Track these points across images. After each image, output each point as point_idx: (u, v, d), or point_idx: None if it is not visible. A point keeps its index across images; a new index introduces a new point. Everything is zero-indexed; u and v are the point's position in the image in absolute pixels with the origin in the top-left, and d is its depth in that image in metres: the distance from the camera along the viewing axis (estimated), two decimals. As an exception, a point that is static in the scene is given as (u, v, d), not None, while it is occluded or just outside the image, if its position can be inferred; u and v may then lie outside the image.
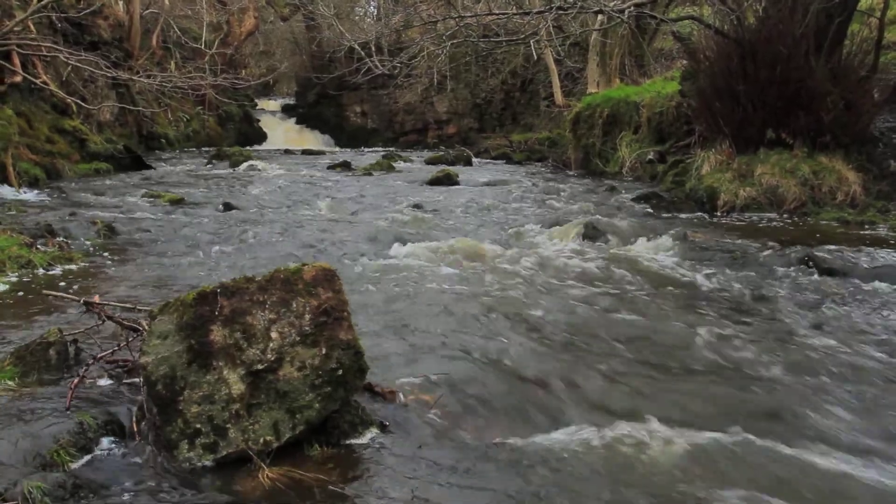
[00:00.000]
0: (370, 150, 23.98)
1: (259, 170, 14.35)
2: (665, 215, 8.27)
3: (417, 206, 8.86)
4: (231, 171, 14.25)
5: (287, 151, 20.93)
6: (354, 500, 2.33)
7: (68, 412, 2.66)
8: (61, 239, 6.26)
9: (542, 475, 2.50)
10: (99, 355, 3.11)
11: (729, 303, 4.71)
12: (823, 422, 2.97)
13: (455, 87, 25.84)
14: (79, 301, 3.30)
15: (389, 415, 2.88)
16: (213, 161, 15.93)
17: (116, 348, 3.15)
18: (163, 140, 19.48)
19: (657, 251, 6.21)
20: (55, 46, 12.82)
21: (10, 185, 9.74)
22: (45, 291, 4.34)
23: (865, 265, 5.45)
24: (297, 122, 28.48)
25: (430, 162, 16.87)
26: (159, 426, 2.53)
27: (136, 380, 2.92)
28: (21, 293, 4.64)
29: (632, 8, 9.81)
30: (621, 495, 2.40)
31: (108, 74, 13.56)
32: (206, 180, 12.35)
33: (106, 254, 6.05)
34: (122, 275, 5.32)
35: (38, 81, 12.23)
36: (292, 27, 30.97)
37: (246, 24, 26.25)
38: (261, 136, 26.02)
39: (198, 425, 2.49)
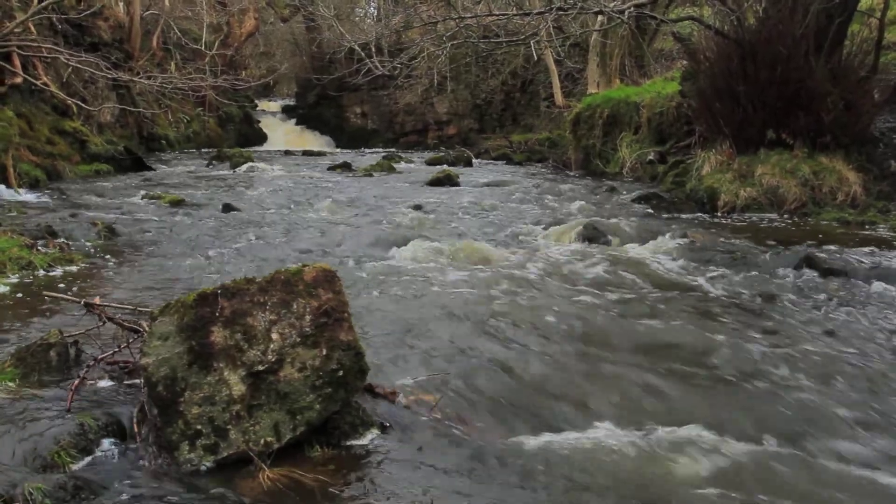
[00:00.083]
0: (370, 150, 23.99)
1: (259, 171, 14.35)
2: (665, 216, 8.26)
3: (418, 207, 8.86)
4: (231, 172, 14.25)
5: (287, 152, 20.94)
6: (355, 501, 2.33)
7: (69, 413, 2.66)
8: (62, 240, 6.26)
9: (543, 477, 2.50)
10: (99, 357, 3.11)
11: (729, 304, 4.70)
12: (824, 423, 2.97)
13: (455, 88, 25.84)
14: (79, 302, 3.30)
15: (390, 416, 2.88)
16: (214, 162, 15.93)
17: (117, 350, 3.15)
18: (163, 141, 19.49)
19: (658, 252, 6.21)
20: (56, 48, 12.83)
21: (11, 186, 9.75)
22: (45, 293, 4.35)
23: (866, 265, 5.44)
24: (298, 123, 28.48)
25: (430, 163, 16.87)
26: (160, 427, 2.53)
27: (137, 381, 2.92)
28: (22, 294, 4.64)
29: (632, 8, 9.81)
30: (622, 497, 2.40)
31: (109, 76, 13.58)
32: (206, 181, 12.36)
33: (106, 255, 6.05)
34: (122, 276, 5.33)
35: (38, 83, 12.24)
36: (292, 28, 30.99)
37: (246, 25, 26.27)
38: (261, 138, 26.03)
39: (198, 426, 2.49)
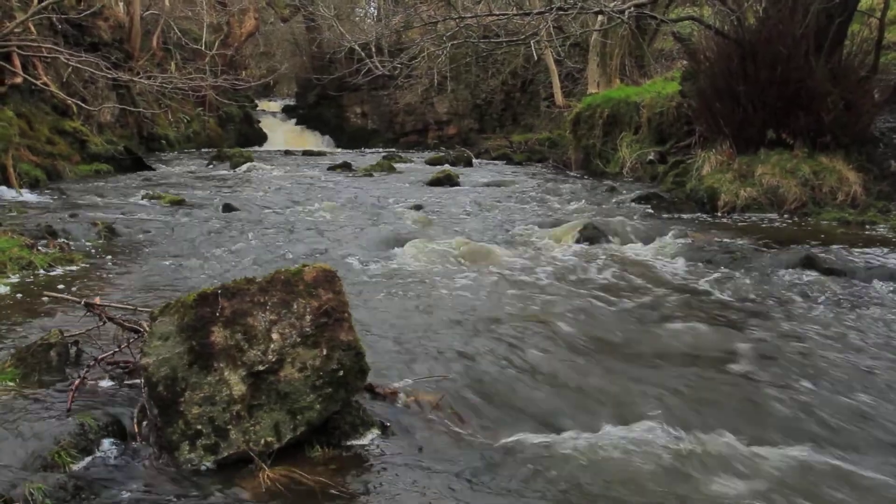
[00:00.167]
0: (370, 150, 23.99)
1: (259, 171, 14.35)
2: (666, 216, 8.27)
3: (418, 207, 8.86)
4: (231, 172, 14.25)
5: (287, 152, 20.93)
6: (355, 501, 2.33)
7: (69, 414, 2.66)
8: (62, 240, 6.26)
9: (544, 478, 2.50)
10: (100, 357, 3.11)
11: (729, 304, 4.70)
12: (825, 424, 2.97)
13: (455, 88, 25.85)
14: (80, 302, 3.30)
15: (391, 416, 2.88)
16: (214, 162, 15.93)
17: (117, 350, 3.15)
18: (163, 141, 19.49)
19: (658, 252, 6.21)
20: (56, 48, 12.83)
21: (11, 186, 9.75)
22: (45, 293, 4.35)
23: (866, 265, 5.44)
24: (298, 123, 28.48)
25: (430, 163, 16.87)
26: (160, 427, 2.53)
27: (137, 381, 2.92)
28: (22, 294, 4.64)
29: (632, 8, 9.81)
30: (622, 499, 2.40)
31: (109, 76, 13.58)
32: (206, 181, 12.36)
33: (107, 255, 6.05)
34: (122, 276, 5.33)
35: (38, 83, 12.25)
36: (293, 28, 30.99)
37: (246, 25, 26.27)
38: (261, 138, 26.03)
39: (199, 426, 2.50)
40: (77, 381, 2.88)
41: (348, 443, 2.67)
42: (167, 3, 23.44)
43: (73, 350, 3.26)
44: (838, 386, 3.32)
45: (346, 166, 15.14)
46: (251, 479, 2.41)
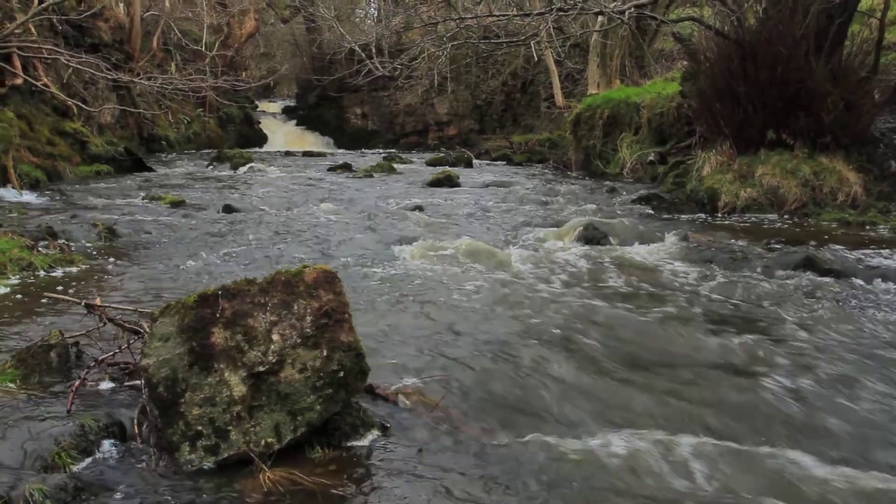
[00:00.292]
0: (371, 151, 24.00)
1: (260, 172, 14.36)
2: (666, 216, 8.26)
3: (418, 208, 8.86)
4: (232, 173, 14.26)
5: (288, 153, 20.95)
6: (356, 502, 2.33)
7: (69, 414, 2.66)
8: (62, 241, 6.26)
9: (544, 479, 2.50)
10: (100, 358, 3.11)
11: (730, 304, 4.70)
12: (824, 425, 2.97)
13: (455, 89, 25.86)
14: (80, 303, 3.30)
15: (391, 417, 2.88)
16: (214, 163, 15.93)
17: (117, 351, 3.15)
18: (163, 142, 19.49)
19: (658, 252, 6.21)
20: (56, 49, 12.84)
21: (12, 187, 9.75)
22: (46, 294, 4.35)
23: (866, 266, 5.45)
24: (298, 124, 28.50)
25: (430, 163, 16.87)
26: (161, 428, 2.53)
27: (138, 382, 2.92)
28: (22, 296, 4.64)
29: (632, 9, 9.81)
30: (622, 498, 2.40)
31: (109, 76, 13.59)
32: (206, 182, 12.36)
33: (107, 256, 6.05)
34: (123, 277, 5.33)
35: (38, 84, 12.26)
36: (293, 29, 31.01)
37: (246, 26, 26.28)
38: (261, 138, 26.04)
39: (199, 427, 2.49)
40: (77, 382, 2.88)
41: (349, 444, 2.67)
42: (167, 4, 23.47)
43: (73, 351, 3.26)
44: (839, 387, 3.31)
45: (346, 167, 15.15)
46: (251, 479, 2.41)
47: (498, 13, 14.56)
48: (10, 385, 2.96)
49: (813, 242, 6.30)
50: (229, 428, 2.51)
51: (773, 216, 7.99)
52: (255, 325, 2.62)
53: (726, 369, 3.56)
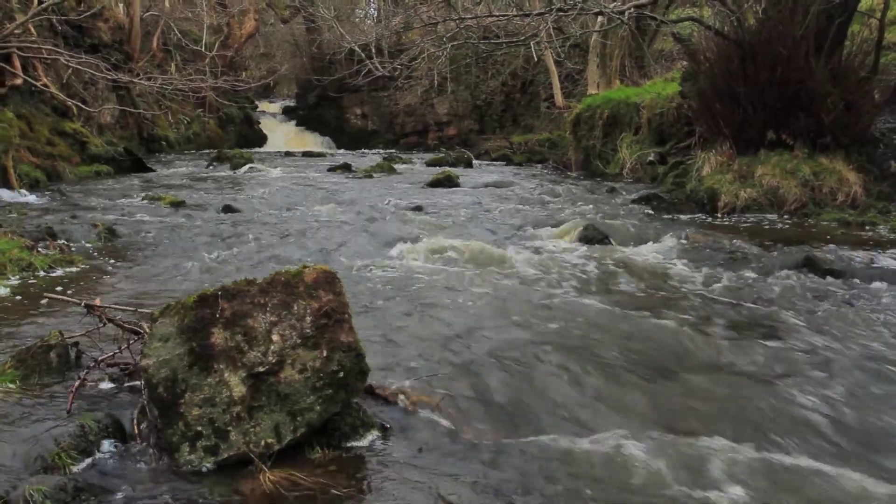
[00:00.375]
0: (371, 151, 23.99)
1: (259, 172, 14.36)
2: (666, 217, 8.27)
3: (418, 209, 8.86)
4: (232, 173, 14.26)
5: (288, 153, 20.94)
6: (356, 502, 2.33)
7: (69, 415, 2.66)
8: (62, 241, 6.27)
9: (544, 479, 2.50)
10: (100, 358, 3.11)
11: (729, 305, 4.70)
12: (824, 426, 2.97)
13: (455, 89, 25.86)
14: (80, 304, 3.30)
15: (391, 417, 2.88)
16: (214, 163, 15.93)
17: (117, 351, 3.15)
18: (163, 142, 19.50)
19: (658, 253, 6.21)
20: (56, 49, 12.84)
21: (11, 187, 9.76)
22: (46, 294, 4.35)
23: (866, 266, 5.44)
24: (298, 124, 28.51)
25: (430, 164, 16.87)
26: (160, 429, 2.53)
27: (137, 382, 2.92)
28: (22, 296, 4.64)
29: (632, 9, 9.81)
30: (622, 499, 2.40)
31: (109, 77, 13.60)
32: (206, 183, 12.36)
33: (107, 257, 6.05)
34: (122, 277, 5.33)
35: (38, 84, 12.26)
36: (292, 29, 31.02)
37: (246, 26, 26.28)
38: (261, 139, 26.05)
39: (199, 428, 2.49)
40: (77, 383, 2.89)
41: (348, 444, 2.67)
42: (167, 4, 23.47)
43: (73, 351, 3.26)
44: (839, 387, 3.31)
45: (346, 167, 15.14)
46: (251, 480, 2.41)
47: (498, 13, 14.56)
48: (10, 385, 2.96)
49: (813, 243, 6.30)
50: (229, 428, 2.51)
51: (773, 216, 7.99)
52: (254, 326, 2.62)
53: (724, 368, 3.56)
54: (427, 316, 4.31)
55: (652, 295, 4.94)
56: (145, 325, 2.99)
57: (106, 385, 3.03)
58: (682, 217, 8.25)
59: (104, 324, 3.24)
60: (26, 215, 7.88)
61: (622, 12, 9.48)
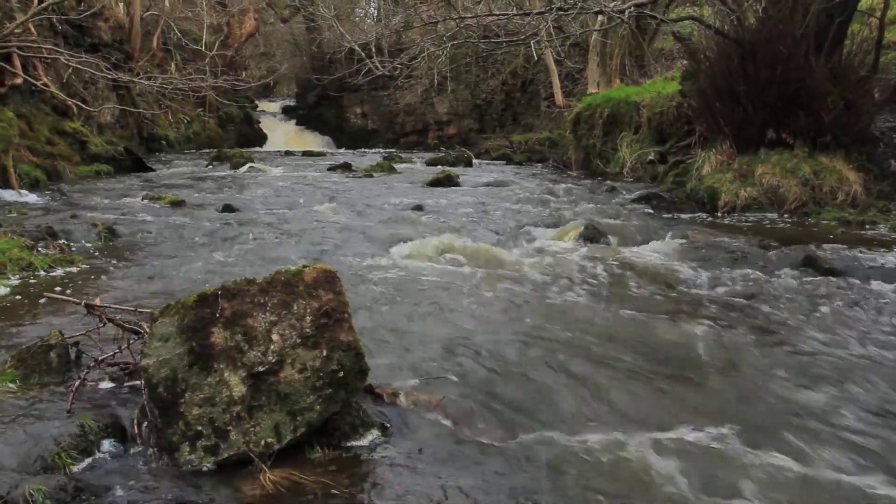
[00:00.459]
0: (371, 151, 23.99)
1: (260, 171, 14.35)
2: (666, 216, 8.26)
3: (418, 208, 8.86)
4: (232, 172, 14.25)
5: (288, 153, 20.93)
6: (356, 502, 2.33)
7: (69, 415, 2.66)
8: (62, 241, 6.26)
9: (544, 478, 2.50)
10: (100, 358, 3.11)
11: (730, 304, 4.70)
12: (824, 425, 2.97)
13: (455, 88, 25.86)
14: (80, 304, 3.30)
15: (391, 417, 2.88)
16: (214, 163, 15.93)
17: (117, 351, 3.15)
18: (163, 142, 19.50)
19: (658, 252, 6.21)
20: (56, 48, 12.84)
21: (11, 187, 9.76)
22: (46, 294, 4.35)
23: (866, 265, 5.44)
24: (298, 124, 28.51)
25: (430, 163, 16.86)
26: (160, 428, 2.53)
27: (138, 382, 2.92)
28: (22, 296, 4.64)
29: (632, 8, 9.81)
30: (622, 499, 2.40)
31: (109, 76, 13.60)
32: (206, 182, 12.36)
33: (107, 256, 6.05)
34: (123, 277, 5.33)
35: (38, 83, 12.26)
36: (292, 29, 31.01)
37: (246, 25, 26.28)
38: (261, 138, 26.05)
39: (199, 427, 2.49)
40: (77, 383, 2.89)
41: (348, 444, 2.67)
42: (167, 3, 23.46)
43: (73, 351, 3.26)
44: (838, 387, 3.31)
45: (346, 167, 15.14)
46: (251, 480, 2.41)
47: (498, 13, 14.56)
48: (10, 385, 2.96)
49: (813, 242, 6.30)
50: (229, 428, 2.51)
51: (773, 215, 7.99)
52: (254, 325, 2.62)
53: (724, 368, 3.56)
54: (427, 315, 4.31)
55: (652, 295, 4.94)
56: (145, 325, 2.99)
57: (106, 385, 3.04)
58: (683, 216, 8.25)
59: (104, 323, 3.24)
60: (26, 215, 7.88)
61: (622, 11, 9.48)
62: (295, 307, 2.67)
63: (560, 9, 9.61)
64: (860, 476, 2.57)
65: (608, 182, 11.78)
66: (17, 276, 5.08)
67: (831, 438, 2.85)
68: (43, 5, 12.14)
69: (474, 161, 17.64)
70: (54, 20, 14.08)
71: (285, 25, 31.15)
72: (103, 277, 5.30)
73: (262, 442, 2.52)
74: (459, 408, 3.03)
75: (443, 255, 5.97)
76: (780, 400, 3.17)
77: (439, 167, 15.02)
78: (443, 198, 10.10)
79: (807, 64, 8.40)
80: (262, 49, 31.94)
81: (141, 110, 17.28)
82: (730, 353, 3.75)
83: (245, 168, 14.73)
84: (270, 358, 2.58)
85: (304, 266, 2.80)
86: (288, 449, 2.55)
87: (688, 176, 9.56)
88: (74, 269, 5.48)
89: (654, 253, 6.19)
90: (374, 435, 2.73)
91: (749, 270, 5.46)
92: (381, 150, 23.45)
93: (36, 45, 12.43)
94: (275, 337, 2.61)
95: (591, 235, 6.68)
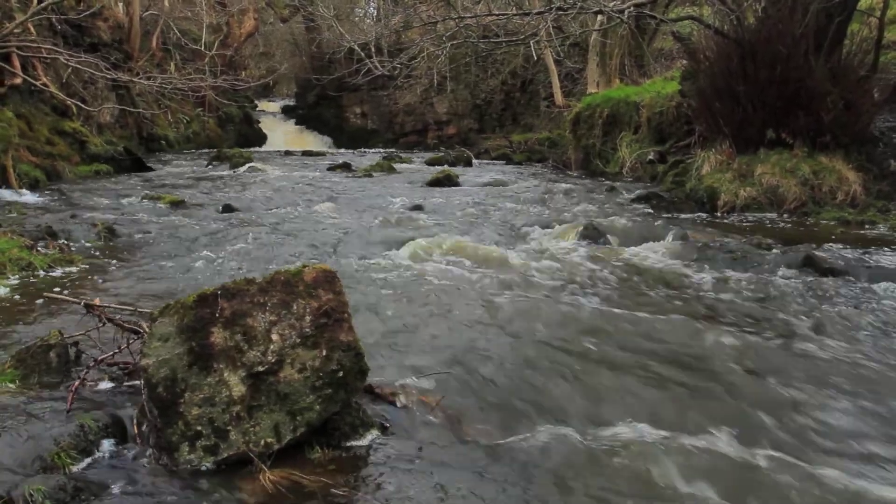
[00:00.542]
0: (370, 151, 23.99)
1: (259, 171, 14.35)
2: (665, 215, 8.27)
3: (418, 208, 8.86)
4: (231, 172, 14.25)
5: (287, 153, 20.93)
6: (355, 502, 2.33)
7: (69, 415, 2.66)
8: (62, 241, 6.26)
9: (545, 478, 2.50)
10: (99, 358, 3.11)
11: (729, 304, 4.70)
12: (823, 426, 2.97)
13: (455, 88, 25.85)
14: (79, 303, 3.30)
15: (390, 416, 2.88)
16: (214, 163, 15.93)
17: (117, 351, 3.15)
18: (163, 142, 19.49)
19: (657, 252, 6.21)
20: (55, 48, 12.83)
21: (11, 186, 9.76)
22: (45, 294, 4.35)
23: (866, 265, 5.45)
24: (297, 124, 28.50)
25: (430, 163, 16.86)
26: (160, 428, 2.53)
27: (137, 382, 2.92)
28: (22, 296, 4.64)
29: (631, 8, 9.81)
30: (623, 498, 2.40)
31: (108, 76, 13.59)
32: (206, 182, 12.36)
33: (106, 256, 6.05)
34: (122, 277, 5.32)
35: (38, 83, 12.25)
36: (292, 28, 31.00)
37: (245, 25, 26.27)
38: (261, 138, 26.04)
39: (198, 427, 2.49)
40: (77, 383, 2.88)
41: (348, 444, 2.67)
42: (167, 3, 23.45)
43: (72, 351, 3.26)
44: (838, 386, 3.31)
45: (345, 167, 15.14)
46: (251, 480, 2.41)
47: (497, 12, 14.56)
48: (10, 385, 2.96)
49: (812, 241, 6.30)
50: (229, 428, 2.51)
51: (773, 215, 7.99)
52: (254, 325, 2.61)
53: (723, 367, 3.55)
54: (427, 315, 4.31)
55: (652, 294, 4.94)
56: (145, 325, 2.99)
57: (106, 385, 3.03)
58: (682, 216, 8.25)
59: (104, 323, 3.24)
60: (26, 215, 7.88)
61: (622, 11, 9.48)
62: (294, 307, 2.66)
63: (559, 9, 9.61)
64: (864, 475, 2.57)
65: (608, 182, 11.78)
66: (17, 276, 5.08)
67: (835, 437, 2.84)
68: (42, 5, 12.14)
69: (474, 161, 17.64)
70: (54, 20, 14.07)
71: (285, 25, 31.14)
72: (103, 277, 5.30)
73: (262, 442, 2.52)
74: (459, 408, 3.03)
75: (442, 255, 5.98)
76: (782, 399, 3.17)
77: (439, 167, 15.02)
78: (442, 198, 10.10)
79: (806, 64, 8.40)
80: (262, 49, 31.94)
81: (140, 110, 17.27)
82: (730, 352, 3.74)
83: (245, 168, 14.72)
84: (270, 358, 2.58)
85: (304, 266, 2.80)
86: (287, 449, 2.55)
87: (687, 176, 9.56)
88: (74, 269, 5.48)
89: (653, 253, 6.19)
90: (373, 435, 2.73)
91: (748, 270, 5.47)
92: (381, 150, 23.45)
93: (35, 44, 12.42)
94: (274, 337, 2.61)
95: (591, 235, 6.68)
